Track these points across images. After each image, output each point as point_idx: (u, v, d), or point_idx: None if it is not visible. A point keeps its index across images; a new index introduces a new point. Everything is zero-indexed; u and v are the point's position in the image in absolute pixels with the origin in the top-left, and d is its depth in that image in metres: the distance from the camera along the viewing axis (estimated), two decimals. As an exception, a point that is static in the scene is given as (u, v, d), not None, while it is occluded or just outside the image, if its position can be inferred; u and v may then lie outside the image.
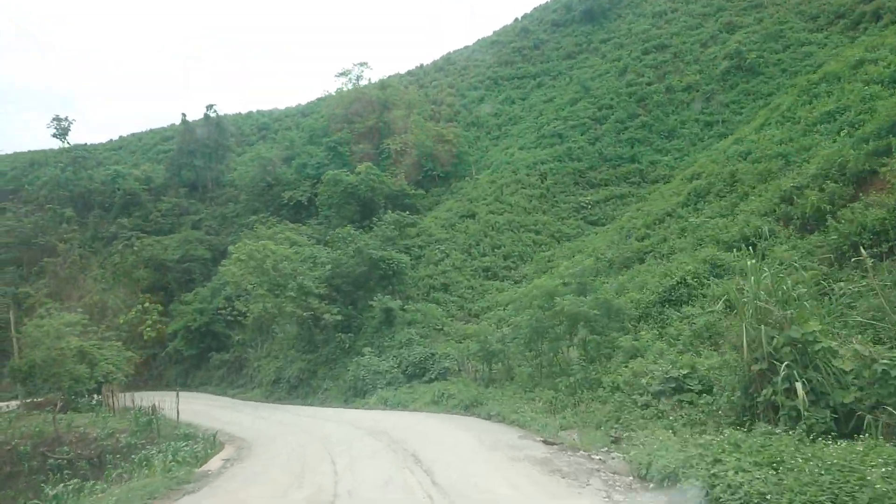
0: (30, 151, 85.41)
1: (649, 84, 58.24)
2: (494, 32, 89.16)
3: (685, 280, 21.59)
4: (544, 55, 76.45)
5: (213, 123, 76.66)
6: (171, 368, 58.27)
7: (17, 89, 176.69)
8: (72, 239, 68.74)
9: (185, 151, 74.68)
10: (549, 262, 39.23)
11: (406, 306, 37.10)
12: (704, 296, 20.42)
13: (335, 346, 36.54)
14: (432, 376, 29.18)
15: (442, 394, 24.82)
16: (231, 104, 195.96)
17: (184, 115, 75.50)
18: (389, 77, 74.98)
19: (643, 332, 18.27)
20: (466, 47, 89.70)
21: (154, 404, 29.78)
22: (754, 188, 27.15)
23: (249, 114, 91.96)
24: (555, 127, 57.89)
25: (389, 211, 46.81)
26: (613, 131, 54.63)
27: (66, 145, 78.67)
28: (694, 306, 20.29)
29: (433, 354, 30.48)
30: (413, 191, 55.14)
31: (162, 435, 26.45)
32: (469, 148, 63.07)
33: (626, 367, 15.67)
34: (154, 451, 19.53)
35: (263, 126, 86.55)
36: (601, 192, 48.79)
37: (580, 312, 18.09)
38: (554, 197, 49.22)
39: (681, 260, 23.82)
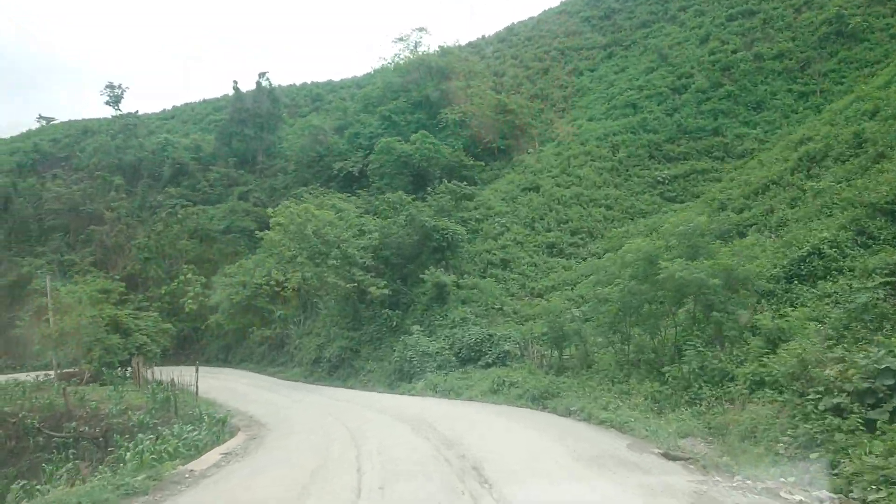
0: (83, 120, 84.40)
1: (735, 52, 52.55)
2: (562, 3, 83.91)
3: (819, 250, 16.95)
4: (615, 25, 71.03)
5: (265, 92, 73.84)
6: (212, 344, 55.69)
7: (75, 60, 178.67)
8: (119, 207, 66.93)
9: (235, 121, 72.07)
10: (622, 238, 34.64)
11: (461, 282, 33.07)
12: (851, 269, 15.77)
13: (381, 323, 32.82)
14: (489, 360, 25.13)
15: (502, 381, 20.75)
16: (285, 75, 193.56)
17: (235, 82, 73.07)
18: (449, 46, 70.70)
19: (789, 310, 13.76)
20: (531, 18, 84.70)
21: (173, 379, 26.42)
22: (892, 147, 22.18)
23: (304, 85, 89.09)
24: (628, 97, 52.86)
25: (445, 181, 42.76)
26: (694, 102, 49.33)
27: (119, 113, 77.01)
28: (835, 281, 15.68)
29: (491, 336, 26.41)
30: (471, 162, 50.94)
31: (179, 414, 23.10)
32: (532, 120, 58.49)
33: (772, 354, 11.27)
34: (153, 436, 16.00)
35: (317, 97, 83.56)
36: (680, 166, 43.73)
37: (693, 281, 13.69)
38: (627, 170, 44.38)
39: (811, 228, 19.10)
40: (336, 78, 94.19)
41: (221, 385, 35.53)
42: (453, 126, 57.17)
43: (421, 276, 32.27)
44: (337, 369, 34.39)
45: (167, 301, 55.80)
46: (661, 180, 42.82)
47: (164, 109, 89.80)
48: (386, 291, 31.89)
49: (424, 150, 48.28)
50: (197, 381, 25.14)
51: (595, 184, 43.03)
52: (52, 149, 78.94)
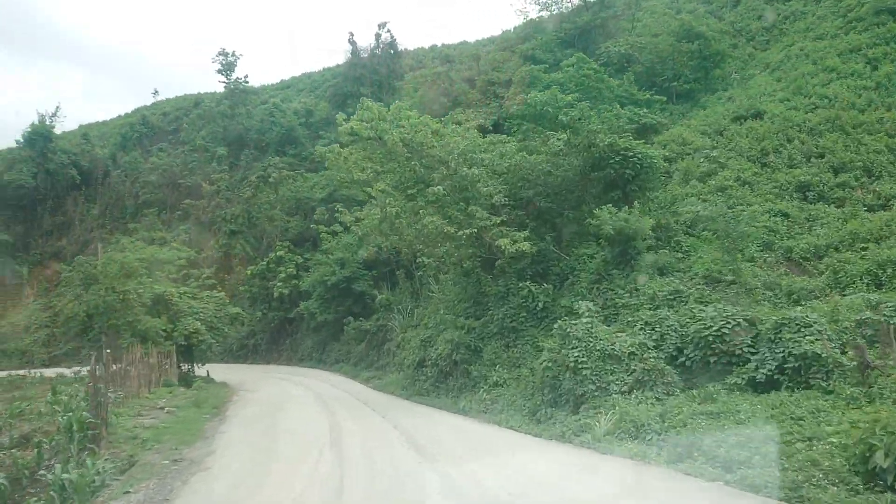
0: (195, 94, 77.80)
1: None
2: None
3: None
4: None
5: (386, 45, 62.98)
6: (306, 339, 44.66)
7: (192, 32, 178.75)
8: (219, 180, 58.02)
9: (350, 79, 61.60)
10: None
11: (657, 235, 19.26)
12: None
13: (518, 304, 19.61)
14: (768, 372, 11.18)
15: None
16: (412, 38, 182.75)
17: (351, 34, 62.18)
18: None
19: None
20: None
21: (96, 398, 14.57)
22: None
23: (433, 47, 77.97)
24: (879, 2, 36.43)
25: (617, 105, 28.83)
26: None
27: (229, 81, 68.95)
28: None
29: (754, 325, 12.40)
30: (648, 96, 36.60)
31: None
32: (729, 50, 43.13)
33: None
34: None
35: (447, 58, 71.99)
36: None
37: None
38: (900, 88, 28.44)
39: None
40: (472, 38, 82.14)
41: (263, 396, 24.26)
42: (618, 61, 42.95)
43: (588, 220, 18.74)
44: (447, 378, 21.47)
45: (256, 284, 45.46)
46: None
47: (282, 80, 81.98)
48: (527, 248, 18.56)
49: (581, 78, 34.51)
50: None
51: (856, 105, 27.50)
52: (161, 122, 72.33)
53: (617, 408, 11.71)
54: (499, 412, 16.04)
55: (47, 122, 61.16)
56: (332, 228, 39.97)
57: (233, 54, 68.18)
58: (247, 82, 67.96)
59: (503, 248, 18.38)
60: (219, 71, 68.92)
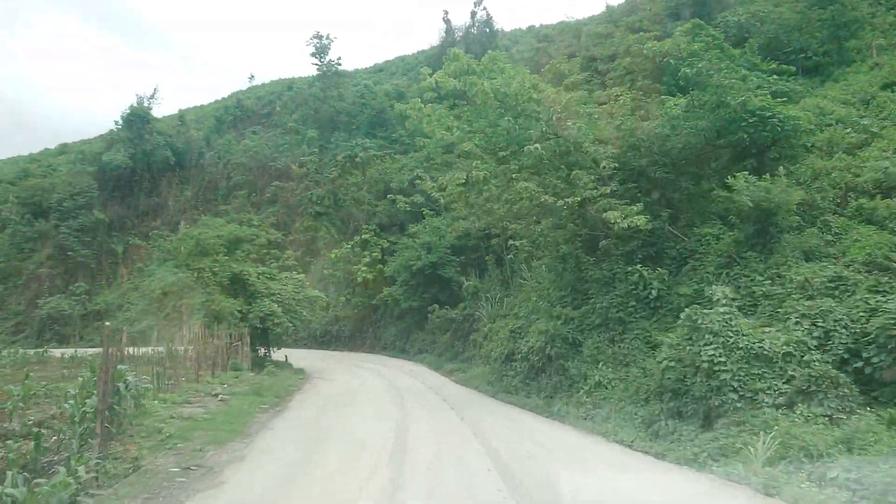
0: (291, 78, 77.60)
1: None
2: None
3: None
4: None
5: (481, 24, 60.35)
6: (390, 327, 42.66)
7: (288, 17, 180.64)
8: (308, 163, 57.01)
9: (443, 60, 59.22)
10: None
11: (801, 213, 15.74)
12: None
13: (626, 292, 16.57)
14: None
15: None
16: (509, 20, 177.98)
17: (445, 12, 59.91)
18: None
19: None
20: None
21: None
22: None
23: (531, 28, 74.64)
24: None
25: (744, 70, 24.98)
26: None
27: (322, 63, 68.07)
28: None
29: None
30: (772, 66, 32.26)
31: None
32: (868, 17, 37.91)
33: None
34: None
35: (545, 37, 68.59)
36: None
37: None
38: None
39: None
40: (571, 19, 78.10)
41: (340, 388, 22.08)
42: (736, 32, 38.51)
43: (714, 195, 15.47)
44: (539, 375, 18.60)
45: (341, 269, 43.81)
46: None
47: (375, 63, 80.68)
48: (642, 223, 15.44)
49: (696, 48, 30.65)
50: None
51: None
52: (255, 106, 72.44)
53: (776, 427, 8.59)
54: (603, 420, 13.11)
55: (145, 105, 61.93)
56: (413, 200, 37.74)
57: (327, 37, 67.26)
58: (339, 65, 66.82)
59: (612, 222, 15.34)
60: (312, 54, 68.14)
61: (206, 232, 28.04)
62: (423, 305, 36.52)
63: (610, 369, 15.22)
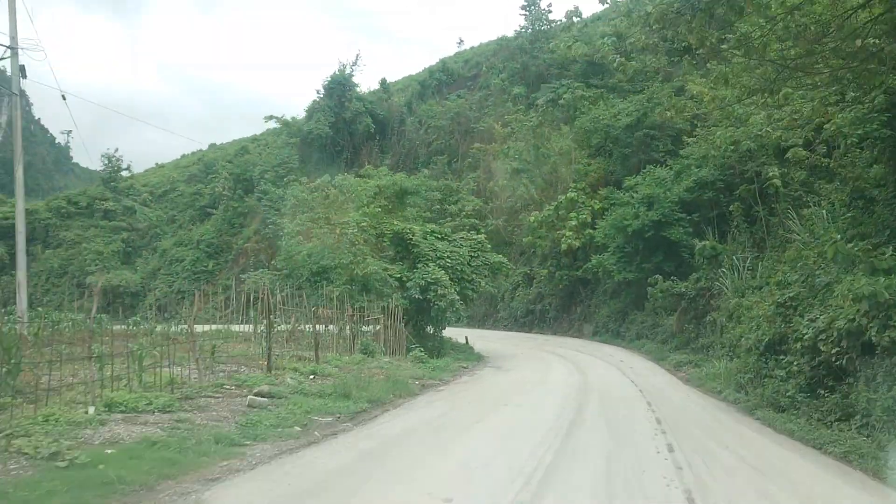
0: (500, 37, 71.52)
1: None
2: None
3: None
4: None
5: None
6: (603, 306, 34.65)
7: None
8: (513, 121, 50.25)
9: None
10: None
11: None
12: None
13: None
14: None
15: None
16: None
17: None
18: None
19: None
20: None
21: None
22: None
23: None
24: None
25: None
26: None
27: (530, 13, 61.03)
28: None
29: None
30: None
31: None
32: None
33: None
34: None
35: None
36: None
37: None
38: None
39: None
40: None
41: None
42: None
43: None
44: (837, 381, 10.06)
45: (543, 236, 36.60)
46: None
47: (593, 13, 71.83)
48: None
49: None
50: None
51: None
52: (462, 69, 67.36)
53: None
54: None
55: (347, 72, 59.37)
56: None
57: (535, -17, 60.28)
58: (550, 12, 59.38)
59: None
60: (522, 7, 61.60)
61: (347, 180, 22.47)
62: (643, 278, 28.15)
63: None
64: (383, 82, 64.80)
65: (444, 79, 65.10)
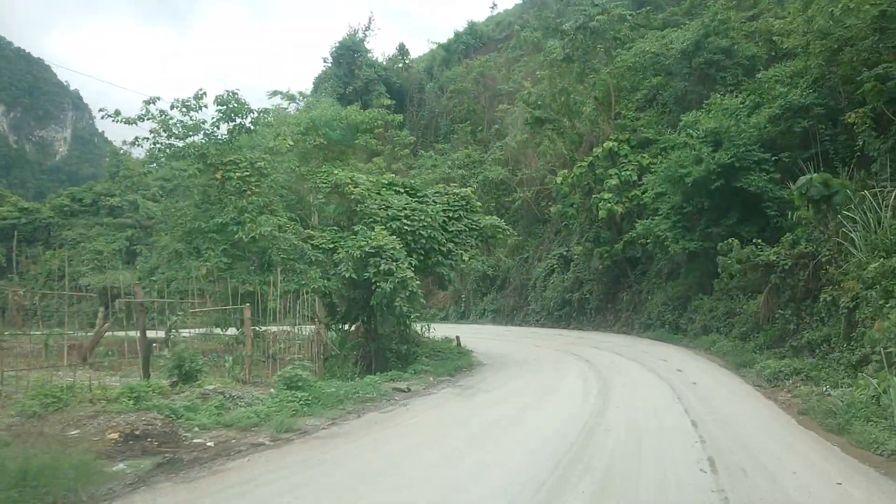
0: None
1: None
2: None
3: None
4: None
5: None
6: (655, 289, 26.12)
7: None
8: (543, 77, 41.99)
9: None
10: None
11: None
12: None
13: None
14: None
15: None
16: None
17: None
18: None
19: None
20: None
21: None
22: None
23: None
24: None
25: None
26: None
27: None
28: None
29: None
30: None
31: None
32: None
33: None
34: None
35: None
36: None
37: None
38: None
39: None
40: None
41: None
42: None
43: None
44: None
45: (576, 201, 28.31)
46: None
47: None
48: None
49: None
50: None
51: None
52: (493, 32, 59.30)
53: None
54: None
55: (358, 37, 51.92)
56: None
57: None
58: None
59: None
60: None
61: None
62: (710, 248, 19.66)
63: None
64: (401, 47, 57.10)
65: (472, 42, 57.16)
